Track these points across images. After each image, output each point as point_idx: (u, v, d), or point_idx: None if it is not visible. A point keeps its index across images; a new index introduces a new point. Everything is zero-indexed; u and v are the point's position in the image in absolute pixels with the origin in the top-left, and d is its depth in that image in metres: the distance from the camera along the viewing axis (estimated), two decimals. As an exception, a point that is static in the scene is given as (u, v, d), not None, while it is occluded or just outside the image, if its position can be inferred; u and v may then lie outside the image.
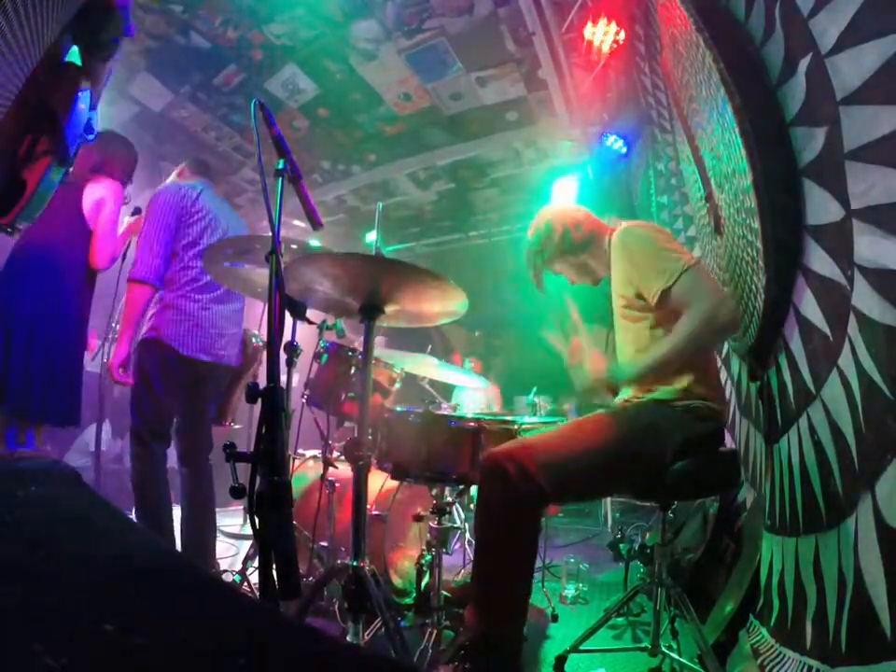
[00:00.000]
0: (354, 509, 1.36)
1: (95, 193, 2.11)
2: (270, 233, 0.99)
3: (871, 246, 1.00)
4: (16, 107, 1.12)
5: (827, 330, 1.21)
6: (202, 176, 2.28)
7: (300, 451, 2.45)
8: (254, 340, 2.45)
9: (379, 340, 4.14)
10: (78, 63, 1.26)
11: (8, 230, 1.37)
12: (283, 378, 1.23)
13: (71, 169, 1.43)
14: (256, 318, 2.81)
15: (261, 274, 1.70)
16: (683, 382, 1.40)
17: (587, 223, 1.65)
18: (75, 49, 1.24)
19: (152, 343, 1.98)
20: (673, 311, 1.38)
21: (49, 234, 2.04)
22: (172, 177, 2.33)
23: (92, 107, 1.41)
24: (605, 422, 1.36)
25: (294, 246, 1.73)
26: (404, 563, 2.09)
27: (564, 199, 4.00)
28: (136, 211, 2.31)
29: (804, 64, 1.24)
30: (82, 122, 1.36)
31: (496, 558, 1.19)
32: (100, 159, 2.18)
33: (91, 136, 1.44)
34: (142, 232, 2.05)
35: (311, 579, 1.90)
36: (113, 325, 3.08)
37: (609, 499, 4.21)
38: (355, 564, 1.31)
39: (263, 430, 0.80)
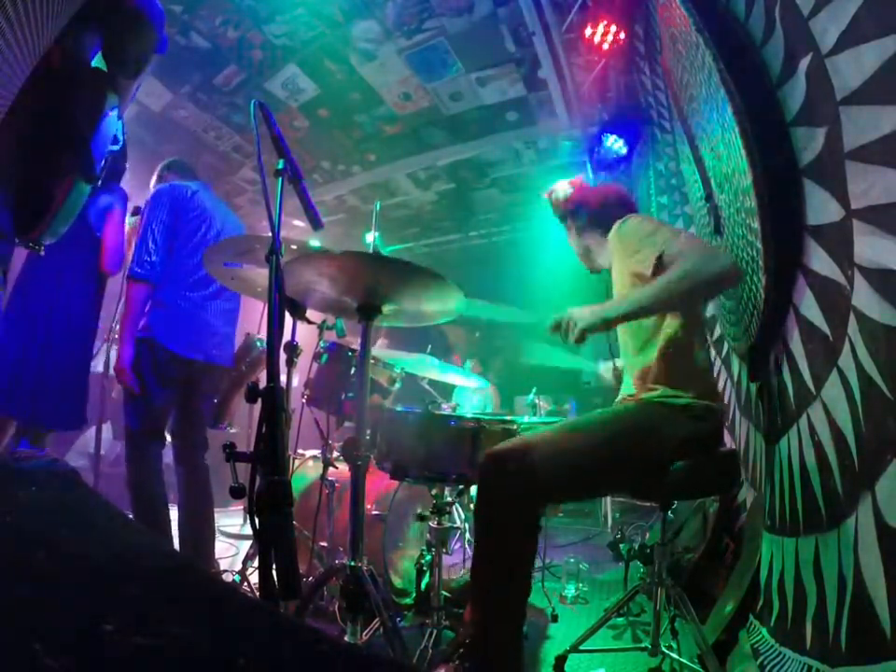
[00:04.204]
0: (351, 508, 1.36)
1: (101, 201, 2.11)
2: (270, 233, 0.99)
3: (871, 246, 1.01)
4: (36, 117, 1.11)
5: (827, 330, 1.21)
6: (194, 178, 2.29)
7: (300, 451, 2.45)
8: (259, 345, 2.44)
9: (381, 343, 4.14)
10: (104, 69, 1.24)
11: (35, 246, 1.36)
12: (283, 378, 1.23)
13: (98, 184, 1.42)
14: (256, 318, 2.81)
15: (261, 274, 1.70)
16: (681, 382, 1.40)
17: (596, 202, 1.65)
18: (99, 55, 1.22)
19: (145, 343, 1.98)
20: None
21: (57, 243, 2.04)
22: (154, 184, 2.32)
23: (119, 117, 1.40)
24: (604, 420, 1.36)
25: (294, 246, 1.74)
26: (404, 563, 2.09)
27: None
28: (136, 211, 2.31)
29: (804, 64, 1.24)
30: (110, 137, 1.35)
31: (495, 556, 1.19)
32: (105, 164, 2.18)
33: (116, 147, 1.43)
34: (139, 230, 2.05)
35: (311, 579, 1.90)
36: (114, 325, 3.08)
37: (608, 499, 4.21)
38: (352, 564, 1.31)
39: (263, 430, 0.80)
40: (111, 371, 2.76)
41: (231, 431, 2.55)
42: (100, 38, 1.21)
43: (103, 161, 1.37)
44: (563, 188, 1.73)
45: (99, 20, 1.16)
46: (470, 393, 4.55)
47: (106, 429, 3.76)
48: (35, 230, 1.31)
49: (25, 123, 1.09)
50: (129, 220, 2.33)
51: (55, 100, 1.15)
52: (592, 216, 1.65)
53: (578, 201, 1.68)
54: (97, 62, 1.24)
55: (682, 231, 1.38)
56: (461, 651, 1.16)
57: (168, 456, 2.15)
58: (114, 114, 1.31)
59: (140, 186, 2.43)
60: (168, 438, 2.15)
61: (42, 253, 1.41)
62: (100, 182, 1.40)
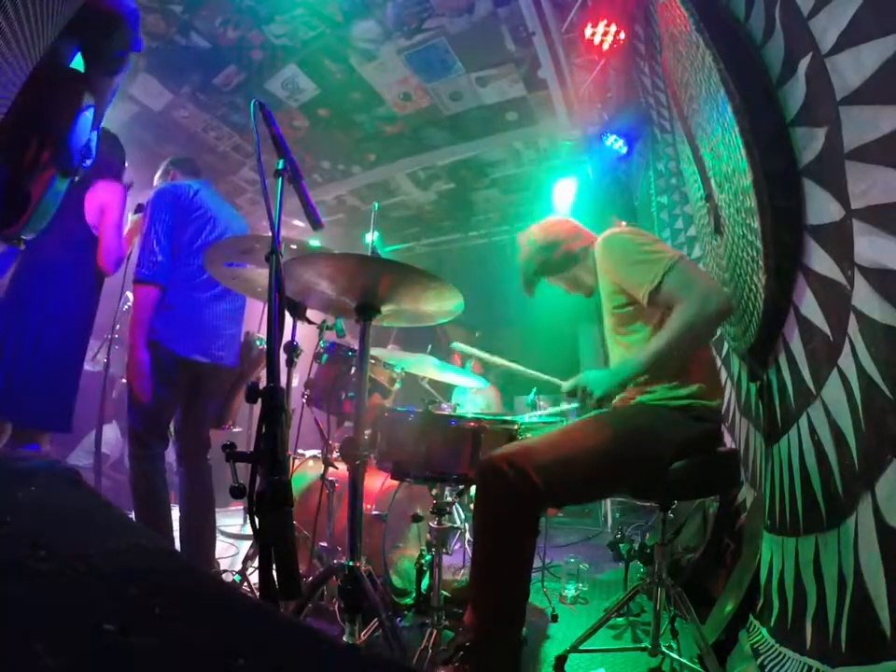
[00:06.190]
0: (350, 508, 1.36)
1: (97, 198, 2.10)
2: (270, 233, 0.99)
3: (871, 246, 1.00)
4: (17, 118, 1.12)
5: (827, 330, 1.21)
6: (196, 177, 2.28)
7: (300, 451, 2.45)
8: (258, 343, 2.43)
9: (391, 347, 4.15)
10: (80, 69, 1.25)
11: (14, 241, 1.38)
12: (283, 378, 1.22)
13: (76, 178, 1.42)
14: (256, 318, 2.81)
15: (261, 274, 1.70)
16: (680, 382, 1.40)
17: (567, 241, 1.66)
18: (79, 56, 1.23)
19: (150, 344, 1.97)
20: (666, 313, 1.39)
21: (53, 242, 2.04)
22: (159, 179, 2.32)
23: (95, 126, 1.40)
24: (602, 424, 1.35)
25: (294, 246, 1.74)
26: (404, 563, 2.09)
27: (565, 202, 4.00)
28: (139, 208, 2.31)
29: (804, 64, 1.24)
30: (84, 136, 1.35)
31: (493, 559, 1.19)
32: (100, 161, 2.17)
33: (88, 161, 1.43)
34: (143, 232, 2.04)
35: (310, 579, 1.90)
36: (115, 325, 3.08)
37: (608, 499, 4.21)
38: (351, 564, 1.31)
39: (263, 430, 0.80)
40: (111, 371, 2.76)
41: (235, 430, 2.55)
42: (77, 40, 1.22)
43: (78, 159, 1.37)
44: (522, 257, 1.74)
45: (75, 22, 1.17)
46: (471, 393, 4.55)
47: (114, 429, 3.77)
48: (16, 225, 1.31)
49: (6, 121, 1.10)
50: (131, 218, 2.32)
51: (33, 98, 1.15)
52: (559, 258, 1.66)
53: (538, 254, 1.69)
54: (76, 63, 1.25)
55: (676, 258, 1.36)
56: (461, 653, 1.16)
57: (171, 456, 2.14)
58: (90, 113, 1.32)
59: (140, 186, 2.43)
60: (171, 437, 2.15)
61: (22, 248, 1.41)
62: (76, 178, 1.40)
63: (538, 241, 1.69)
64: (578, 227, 1.71)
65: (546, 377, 1.74)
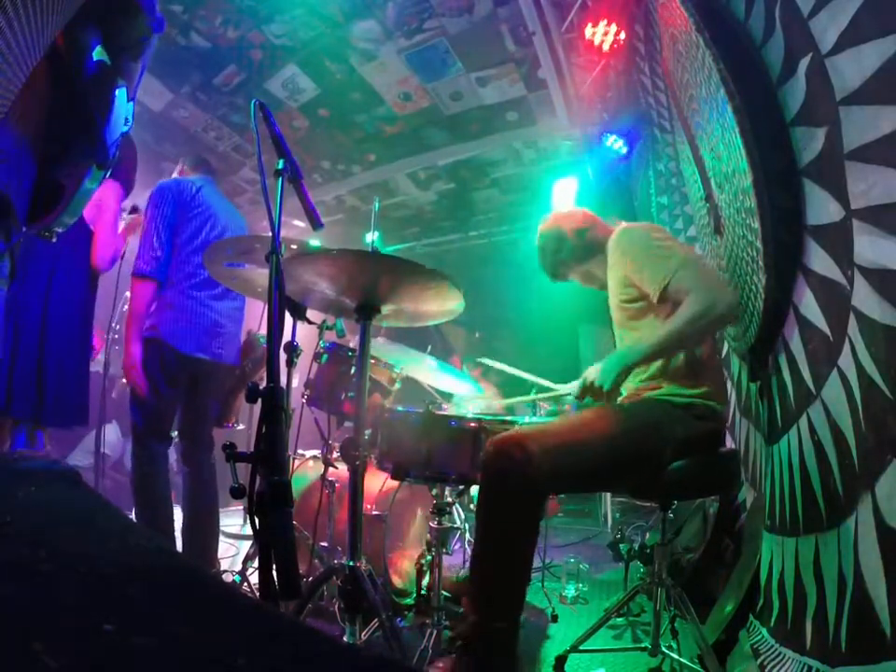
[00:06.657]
0: (350, 508, 1.36)
1: (95, 194, 2.09)
2: (270, 233, 0.99)
3: (871, 246, 1.01)
4: (53, 112, 1.13)
5: (827, 330, 1.21)
6: (202, 173, 2.27)
7: (300, 451, 2.45)
8: (262, 342, 2.44)
9: (379, 339, 4.13)
10: (107, 61, 1.26)
11: (45, 233, 1.38)
12: (283, 378, 1.22)
13: (109, 172, 1.43)
14: (256, 318, 2.80)
15: (261, 274, 1.70)
16: (687, 381, 1.41)
17: (593, 227, 1.66)
18: (99, 47, 1.24)
19: (152, 342, 1.97)
20: (674, 308, 1.39)
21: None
22: (174, 175, 2.33)
23: (130, 99, 1.41)
24: (607, 415, 1.36)
25: (294, 246, 1.74)
26: (404, 563, 2.09)
27: (566, 202, 3.99)
28: (134, 209, 2.30)
29: (804, 64, 1.24)
30: (121, 121, 1.36)
31: (494, 546, 1.19)
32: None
33: (126, 127, 1.43)
34: (143, 228, 2.04)
35: (310, 579, 1.90)
36: (114, 325, 3.08)
37: (609, 499, 4.21)
38: (351, 564, 1.31)
39: (263, 430, 0.80)
40: (111, 371, 2.76)
41: (239, 428, 2.55)
42: (97, 30, 1.23)
43: (115, 146, 1.37)
44: (550, 245, 1.74)
45: (92, 12, 1.17)
46: (470, 397, 4.53)
47: (114, 429, 3.77)
48: (49, 216, 1.31)
49: (41, 113, 1.10)
50: (125, 217, 2.32)
51: (67, 89, 1.16)
52: (577, 246, 1.66)
53: (558, 241, 1.69)
54: (99, 53, 1.25)
55: (689, 256, 1.38)
56: (459, 644, 1.16)
57: (174, 456, 2.14)
58: (121, 93, 1.32)
59: (139, 186, 2.42)
60: (175, 437, 2.16)
61: (54, 240, 1.41)
62: (109, 172, 1.41)
63: (571, 225, 1.67)
64: (596, 216, 1.72)
65: (554, 388, 1.78)
